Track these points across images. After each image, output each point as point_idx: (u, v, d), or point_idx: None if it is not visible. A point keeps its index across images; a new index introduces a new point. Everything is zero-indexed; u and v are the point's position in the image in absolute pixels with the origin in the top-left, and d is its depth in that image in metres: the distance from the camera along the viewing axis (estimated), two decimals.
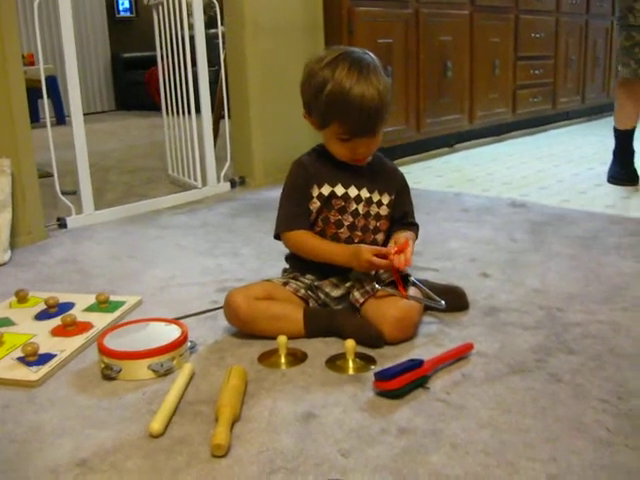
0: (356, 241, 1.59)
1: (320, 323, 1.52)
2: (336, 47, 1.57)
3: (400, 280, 1.54)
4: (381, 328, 1.47)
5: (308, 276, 1.62)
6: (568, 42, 5.19)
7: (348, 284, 1.60)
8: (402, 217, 1.66)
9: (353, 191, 1.59)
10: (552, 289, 1.79)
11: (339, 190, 1.58)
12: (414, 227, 1.68)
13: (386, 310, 1.48)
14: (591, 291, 1.77)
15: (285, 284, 1.60)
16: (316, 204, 1.59)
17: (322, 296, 1.60)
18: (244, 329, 1.53)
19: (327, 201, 1.58)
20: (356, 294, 1.56)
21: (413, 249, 1.55)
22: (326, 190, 1.58)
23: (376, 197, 1.62)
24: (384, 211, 1.63)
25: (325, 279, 1.60)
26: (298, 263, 1.65)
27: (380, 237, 1.64)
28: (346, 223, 1.59)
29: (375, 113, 1.48)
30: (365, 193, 1.60)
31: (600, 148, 4.19)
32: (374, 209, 1.61)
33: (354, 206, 1.59)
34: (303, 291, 1.59)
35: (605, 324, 1.56)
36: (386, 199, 1.63)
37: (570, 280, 1.86)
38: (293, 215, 1.60)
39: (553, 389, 1.27)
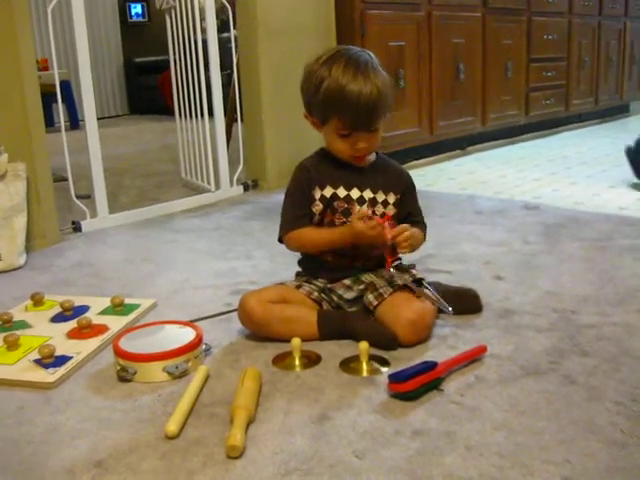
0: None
1: (334, 325, 1.52)
2: (334, 47, 1.60)
3: (390, 252, 1.53)
4: (395, 330, 1.47)
5: (321, 279, 1.62)
6: (581, 44, 5.18)
7: (361, 287, 1.60)
8: (406, 217, 1.64)
9: (355, 193, 1.59)
10: (566, 291, 1.79)
11: (341, 192, 1.59)
12: (420, 225, 1.66)
13: (400, 312, 1.48)
14: (605, 293, 1.77)
15: (298, 287, 1.60)
16: (319, 206, 1.59)
17: (335, 298, 1.60)
18: (258, 332, 1.54)
19: (330, 203, 1.59)
20: (370, 297, 1.56)
21: (415, 239, 1.57)
22: (328, 192, 1.59)
23: (381, 197, 1.61)
24: (391, 211, 1.61)
25: (337, 281, 1.61)
26: (310, 266, 1.66)
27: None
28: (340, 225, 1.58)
29: (373, 107, 1.48)
30: (369, 194, 1.60)
31: (613, 150, 4.17)
32: (379, 209, 1.60)
33: (358, 208, 1.58)
34: (316, 294, 1.60)
35: (619, 326, 1.56)
36: (392, 198, 1.62)
37: (584, 282, 1.86)
38: (293, 217, 1.61)
39: (567, 391, 1.27)
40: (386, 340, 1.46)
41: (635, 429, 1.13)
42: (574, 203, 2.82)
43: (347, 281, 1.60)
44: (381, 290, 1.55)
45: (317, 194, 1.59)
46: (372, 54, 1.56)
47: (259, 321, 1.51)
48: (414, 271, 1.62)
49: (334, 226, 1.59)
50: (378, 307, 1.53)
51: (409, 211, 1.65)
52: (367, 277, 1.60)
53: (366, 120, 1.51)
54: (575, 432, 1.13)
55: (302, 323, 1.52)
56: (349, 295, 1.60)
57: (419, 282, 1.59)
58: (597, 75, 5.46)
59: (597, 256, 2.08)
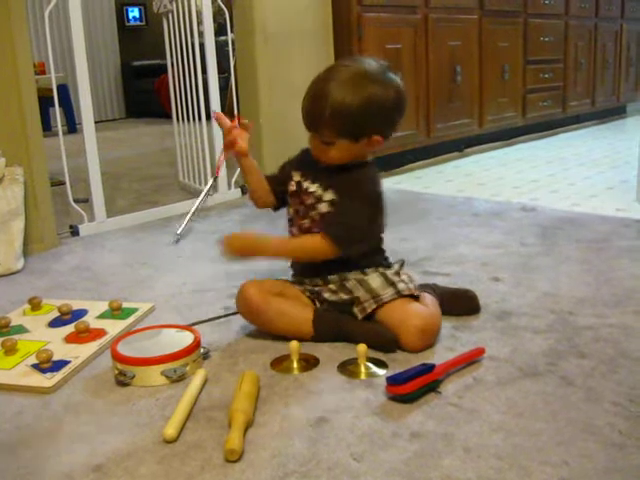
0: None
1: (329, 326, 1.53)
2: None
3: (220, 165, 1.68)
4: (401, 337, 1.46)
5: (307, 281, 1.62)
6: (577, 45, 5.19)
7: (346, 297, 1.57)
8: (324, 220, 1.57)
9: (312, 187, 1.59)
10: (563, 293, 1.79)
11: (304, 183, 1.61)
12: (328, 227, 1.53)
13: (407, 319, 1.47)
14: (602, 294, 1.77)
15: (293, 283, 1.63)
16: (292, 187, 1.63)
17: (322, 301, 1.60)
18: (255, 321, 1.56)
19: (298, 189, 1.62)
20: (355, 310, 1.55)
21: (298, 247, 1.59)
22: (297, 178, 1.63)
23: (320, 191, 1.57)
24: (324, 208, 1.57)
25: (323, 285, 1.60)
26: (298, 268, 1.67)
27: None
28: (301, 215, 1.61)
29: (313, 112, 1.50)
30: (319, 191, 1.57)
31: (611, 151, 4.18)
32: (324, 208, 1.56)
33: (310, 200, 1.59)
34: (308, 294, 1.61)
35: (616, 327, 1.56)
36: (328, 196, 1.56)
37: (581, 284, 1.86)
38: (270, 174, 1.72)
39: (565, 393, 1.27)
40: (386, 342, 1.46)
41: (633, 430, 1.14)
42: (571, 204, 2.83)
43: (332, 286, 1.59)
44: (365, 304, 1.53)
45: (295, 177, 1.63)
46: (376, 70, 1.51)
47: (257, 308, 1.52)
48: (398, 276, 1.58)
49: (297, 213, 1.62)
50: (379, 311, 1.52)
51: (328, 216, 1.56)
52: (352, 285, 1.57)
53: (308, 122, 1.53)
54: (573, 433, 1.13)
55: (298, 319, 1.52)
56: (334, 298, 1.58)
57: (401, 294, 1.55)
58: (594, 77, 5.47)
59: (594, 257, 2.08)
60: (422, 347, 1.47)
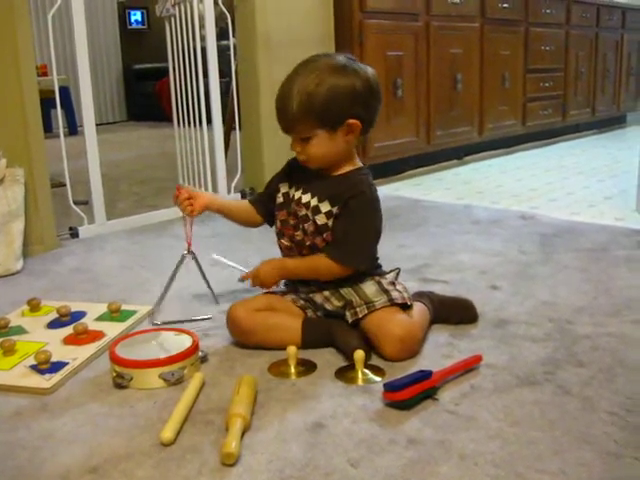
0: (292, 245, 1.61)
1: (317, 334, 1.53)
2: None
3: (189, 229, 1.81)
4: (381, 346, 1.46)
5: (302, 288, 1.62)
6: (578, 55, 5.21)
7: (340, 303, 1.57)
8: (331, 241, 1.55)
9: (306, 197, 1.57)
10: (561, 301, 1.79)
11: (294, 193, 1.60)
12: (330, 251, 1.53)
13: (387, 328, 1.46)
14: (600, 303, 1.77)
15: (284, 294, 1.62)
16: (280, 199, 1.63)
17: (315, 308, 1.60)
18: (246, 341, 1.54)
19: (286, 200, 1.62)
20: (347, 314, 1.54)
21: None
22: (285, 188, 1.63)
23: (314, 202, 1.55)
24: (320, 220, 1.54)
25: (317, 292, 1.60)
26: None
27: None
28: (293, 226, 1.60)
29: (283, 109, 1.49)
30: (315, 201, 1.55)
31: (610, 160, 4.19)
32: (322, 219, 1.54)
33: (304, 212, 1.57)
34: (302, 302, 1.61)
35: (614, 337, 1.56)
36: (325, 207, 1.54)
37: (579, 292, 1.86)
38: (257, 195, 1.76)
39: (562, 401, 1.27)
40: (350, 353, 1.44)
41: (629, 439, 1.14)
42: (570, 213, 2.83)
43: (327, 292, 1.59)
44: (358, 309, 1.52)
45: (283, 188, 1.63)
46: (344, 62, 1.52)
47: (246, 329, 1.52)
48: (392, 285, 1.57)
49: (287, 225, 1.61)
50: (362, 321, 1.50)
51: (334, 237, 1.54)
52: (346, 292, 1.57)
53: (282, 122, 1.51)
54: (569, 442, 1.14)
55: (287, 331, 1.52)
56: (328, 306, 1.58)
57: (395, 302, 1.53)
58: (594, 86, 5.49)
59: (593, 266, 2.08)
60: (402, 356, 1.46)
